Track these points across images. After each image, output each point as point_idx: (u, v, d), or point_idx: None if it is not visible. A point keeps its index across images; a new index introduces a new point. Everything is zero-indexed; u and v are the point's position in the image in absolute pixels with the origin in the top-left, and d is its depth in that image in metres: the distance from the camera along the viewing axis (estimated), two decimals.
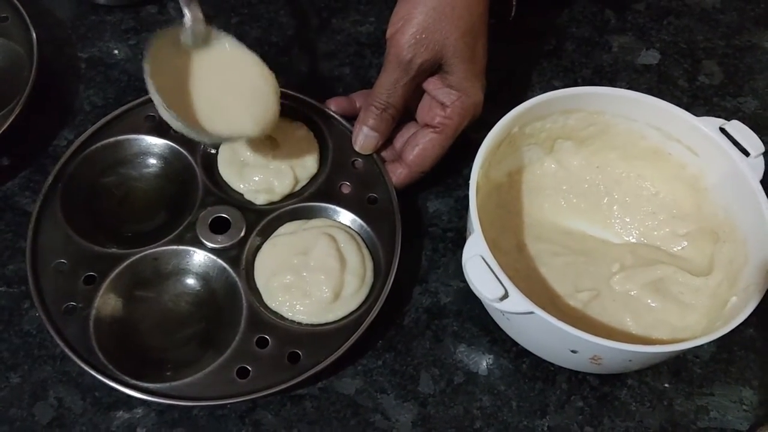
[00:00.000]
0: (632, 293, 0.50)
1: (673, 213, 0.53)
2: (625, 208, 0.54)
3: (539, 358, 0.51)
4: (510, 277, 0.42)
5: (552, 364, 0.51)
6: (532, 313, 0.42)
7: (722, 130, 0.49)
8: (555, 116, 0.52)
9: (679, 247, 0.52)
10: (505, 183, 0.54)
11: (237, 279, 0.49)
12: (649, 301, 0.49)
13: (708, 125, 0.49)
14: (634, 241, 0.54)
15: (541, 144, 0.54)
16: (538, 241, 0.53)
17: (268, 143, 0.54)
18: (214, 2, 0.66)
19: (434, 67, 0.51)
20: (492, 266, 0.43)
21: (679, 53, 0.66)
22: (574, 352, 0.45)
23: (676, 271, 0.50)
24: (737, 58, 0.66)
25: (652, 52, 0.66)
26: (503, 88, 0.62)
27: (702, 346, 0.51)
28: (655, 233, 0.53)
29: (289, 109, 0.56)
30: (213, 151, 0.55)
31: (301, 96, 0.56)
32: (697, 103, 0.63)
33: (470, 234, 0.45)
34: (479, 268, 0.43)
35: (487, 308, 0.51)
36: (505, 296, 0.42)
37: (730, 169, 0.49)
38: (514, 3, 0.58)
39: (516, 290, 0.42)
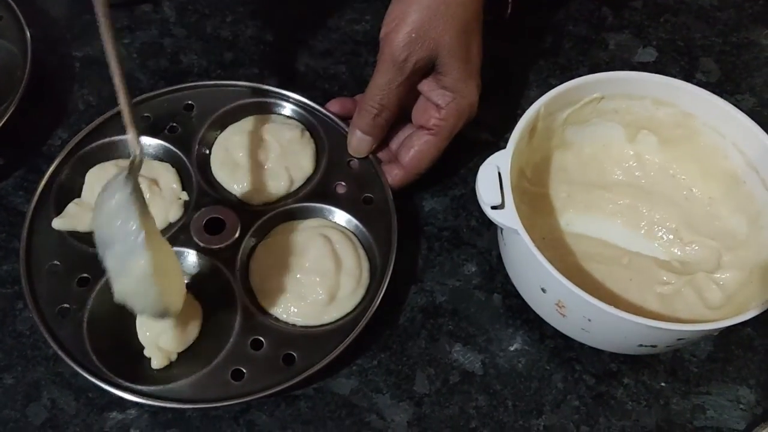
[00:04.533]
0: (644, 285, 0.50)
1: (727, 244, 0.51)
2: (684, 225, 0.53)
3: (535, 357, 0.51)
4: (527, 211, 0.44)
5: (548, 363, 0.50)
6: (517, 233, 0.44)
7: None
8: (647, 102, 0.51)
9: (716, 275, 0.51)
10: (574, 145, 0.54)
11: (231, 280, 0.49)
12: (653, 302, 0.49)
13: None
14: (678, 252, 0.53)
15: (625, 126, 0.53)
16: (577, 211, 0.53)
17: (261, 144, 0.54)
18: (209, 0, 0.65)
19: (428, 67, 0.50)
20: (504, 179, 0.45)
21: (676, 51, 0.65)
22: (543, 291, 0.45)
23: (697, 295, 0.49)
24: (734, 55, 0.65)
25: (649, 49, 0.65)
26: (499, 88, 0.61)
27: (699, 344, 0.52)
28: (698, 255, 0.52)
29: (284, 109, 0.56)
30: (207, 152, 0.54)
31: (296, 95, 0.56)
32: None
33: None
34: (491, 174, 0.45)
35: (499, 244, 0.51)
36: (501, 207, 0.44)
37: None
38: (510, 0, 0.58)
39: (513, 207, 0.44)
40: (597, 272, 0.51)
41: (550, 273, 0.43)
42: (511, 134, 0.47)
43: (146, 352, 0.47)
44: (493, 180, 0.45)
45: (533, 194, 0.53)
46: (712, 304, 0.49)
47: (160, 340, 0.47)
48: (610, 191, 0.55)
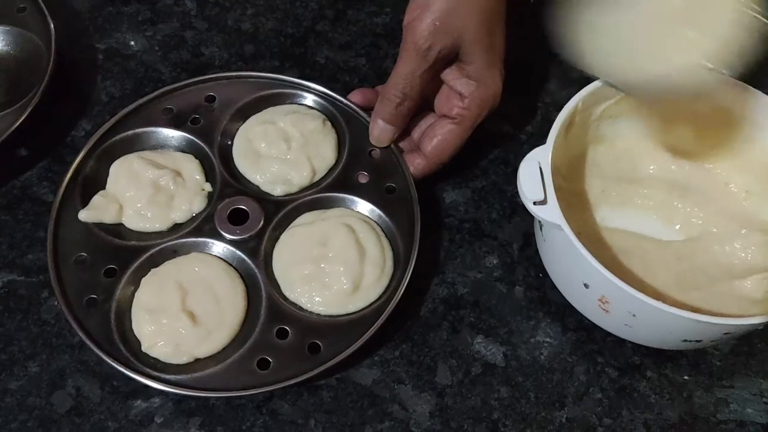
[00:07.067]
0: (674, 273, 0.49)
1: (764, 240, 0.50)
2: (715, 218, 0.52)
3: (557, 349, 0.50)
4: (562, 207, 0.44)
5: (570, 355, 0.50)
6: (560, 228, 0.43)
7: None
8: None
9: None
10: (607, 139, 0.54)
11: (256, 270, 0.49)
12: (683, 295, 0.49)
13: None
14: (715, 247, 0.52)
15: (660, 119, 0.53)
16: (612, 206, 0.53)
17: (283, 135, 0.54)
18: None
19: (452, 56, 0.50)
20: (545, 174, 0.45)
21: None
22: (586, 286, 0.45)
23: (729, 289, 0.49)
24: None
25: None
26: (520, 81, 0.61)
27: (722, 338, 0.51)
28: (733, 248, 0.51)
29: (305, 99, 0.57)
30: (229, 143, 0.55)
31: (317, 87, 0.56)
32: None
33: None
34: (532, 170, 0.45)
35: (537, 240, 0.51)
36: (543, 203, 0.44)
37: None
38: None
39: (555, 202, 0.44)
40: (635, 267, 0.51)
41: (594, 268, 0.42)
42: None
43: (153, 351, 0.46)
44: (534, 175, 0.45)
45: (568, 190, 0.52)
46: (754, 298, 0.49)
47: (197, 350, 0.46)
48: (644, 186, 0.54)
